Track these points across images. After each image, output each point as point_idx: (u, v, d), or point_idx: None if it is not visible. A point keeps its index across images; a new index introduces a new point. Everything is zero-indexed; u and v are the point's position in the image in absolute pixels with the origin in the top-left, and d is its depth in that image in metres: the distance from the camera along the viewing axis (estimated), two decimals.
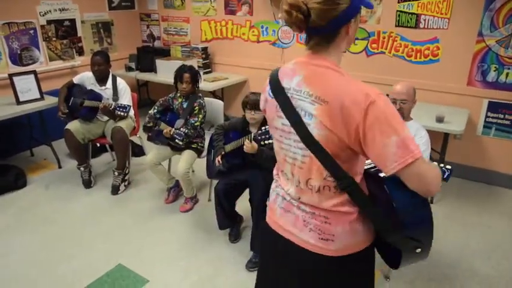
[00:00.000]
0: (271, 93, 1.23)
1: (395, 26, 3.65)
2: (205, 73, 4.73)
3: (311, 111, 1.10)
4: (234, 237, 2.83)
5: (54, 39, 4.38)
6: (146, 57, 4.86)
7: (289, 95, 1.17)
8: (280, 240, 1.31)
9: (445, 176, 1.99)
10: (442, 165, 2.04)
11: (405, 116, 2.47)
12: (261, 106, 1.33)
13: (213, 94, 4.46)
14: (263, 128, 2.40)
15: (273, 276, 1.42)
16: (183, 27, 5.03)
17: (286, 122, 1.18)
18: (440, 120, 3.11)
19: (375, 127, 1.01)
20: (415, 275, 2.53)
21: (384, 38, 3.75)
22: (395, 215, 1.07)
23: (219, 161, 2.65)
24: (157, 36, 5.31)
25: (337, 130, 1.06)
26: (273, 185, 1.38)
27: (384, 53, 3.79)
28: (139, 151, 4.11)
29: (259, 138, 2.38)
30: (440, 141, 3.22)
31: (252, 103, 2.55)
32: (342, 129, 1.05)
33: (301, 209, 1.24)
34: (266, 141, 2.37)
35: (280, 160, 1.30)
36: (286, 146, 1.23)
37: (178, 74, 3.09)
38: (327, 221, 1.20)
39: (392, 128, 1.01)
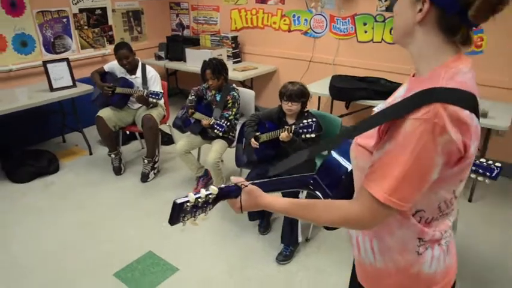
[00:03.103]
0: (477, 121, 0.89)
1: None
2: (234, 62, 4.69)
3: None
4: (264, 228, 2.78)
5: (85, 27, 4.42)
6: (175, 46, 4.85)
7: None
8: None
9: (493, 174, 1.88)
10: (490, 162, 1.93)
11: None
12: (471, 152, 0.89)
13: (243, 84, 4.41)
14: (305, 121, 2.31)
15: None
16: (212, 16, 4.98)
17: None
18: (483, 115, 2.96)
19: None
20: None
21: None
22: None
23: (255, 144, 2.59)
24: (186, 25, 5.28)
25: None
26: (436, 252, 1.02)
27: None
28: (168, 140, 4.11)
29: (301, 131, 2.30)
30: (482, 138, 3.07)
31: (290, 94, 2.47)
32: None
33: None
34: (307, 135, 2.29)
35: (454, 196, 0.99)
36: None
37: (202, 73, 3.06)
38: None
39: None
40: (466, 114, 0.83)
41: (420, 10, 0.88)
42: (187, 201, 1.07)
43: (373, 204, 0.90)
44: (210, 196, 1.08)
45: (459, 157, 0.86)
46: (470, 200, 3.20)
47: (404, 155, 0.85)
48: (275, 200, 1.07)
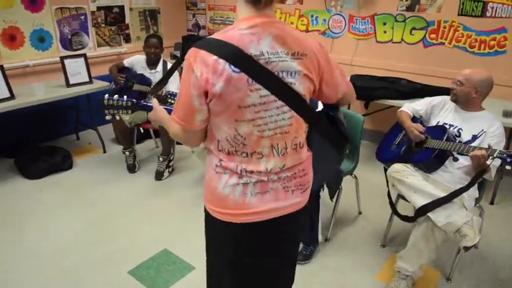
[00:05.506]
0: (235, 68, 1.06)
1: (458, 14, 3.42)
2: None
3: (295, 68, 1.13)
4: None
5: (103, 25, 4.41)
6: (191, 46, 4.80)
7: (262, 61, 1.08)
8: (266, 226, 1.26)
9: None
10: None
11: (461, 101, 2.23)
12: (215, 90, 1.07)
13: None
14: None
15: (266, 265, 1.37)
16: (229, 16, 4.95)
17: (265, 92, 1.11)
18: (508, 114, 2.89)
19: (329, 65, 1.23)
20: (480, 278, 2.33)
21: (444, 27, 3.52)
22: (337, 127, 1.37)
23: None
24: (202, 25, 5.26)
25: (314, 78, 1.18)
26: (233, 180, 1.20)
27: (444, 43, 3.56)
28: None
29: None
30: (506, 137, 2.97)
31: None
32: (316, 75, 1.19)
33: (281, 178, 1.23)
34: None
35: (251, 143, 1.16)
36: (265, 119, 1.14)
37: None
38: (304, 172, 1.28)
39: (333, 63, 1.26)
40: (212, 58, 1.06)
41: None
42: (103, 98, 1.61)
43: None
44: (123, 103, 1.61)
45: (205, 91, 1.08)
46: (492, 203, 3.11)
47: (180, 85, 1.17)
48: (165, 117, 1.35)
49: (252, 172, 1.19)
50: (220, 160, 1.20)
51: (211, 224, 1.32)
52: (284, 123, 1.17)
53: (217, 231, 1.32)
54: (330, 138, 1.34)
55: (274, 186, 1.22)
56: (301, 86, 1.15)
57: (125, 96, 1.63)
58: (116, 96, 1.62)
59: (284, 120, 1.17)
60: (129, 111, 1.63)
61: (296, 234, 1.43)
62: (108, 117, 1.66)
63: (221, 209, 1.24)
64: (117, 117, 1.67)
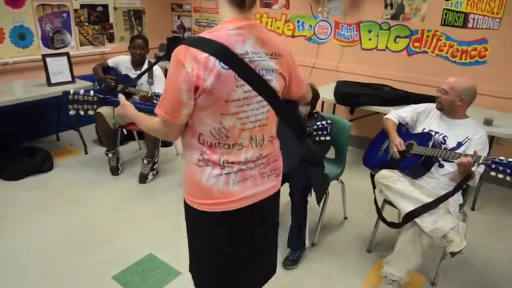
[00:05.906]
0: (224, 65, 1.15)
1: (441, 24, 3.51)
2: None
3: (273, 67, 1.24)
4: None
5: (86, 24, 4.32)
6: (176, 47, 4.77)
7: (247, 59, 1.19)
8: (247, 212, 1.35)
9: None
10: (510, 160, 1.91)
11: (445, 109, 2.29)
12: (206, 85, 1.14)
13: None
14: (319, 123, 2.26)
15: (243, 253, 1.44)
16: (215, 19, 4.93)
17: (248, 88, 1.21)
18: (488, 122, 2.97)
19: (295, 65, 1.36)
20: (464, 282, 2.38)
21: (427, 36, 3.60)
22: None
23: None
24: (187, 27, 5.22)
25: (287, 76, 1.31)
26: (216, 171, 1.28)
27: (427, 52, 3.65)
28: (167, 141, 4.02)
29: (315, 133, 2.25)
30: None
31: None
32: (287, 74, 1.31)
33: (257, 165, 1.34)
34: (322, 138, 2.24)
35: (233, 135, 1.26)
36: (247, 113, 1.24)
37: None
38: (275, 158, 1.41)
39: (296, 62, 1.37)
40: (203, 55, 1.12)
41: None
42: (69, 93, 1.60)
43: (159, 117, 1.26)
44: (89, 98, 1.61)
45: (196, 86, 1.14)
46: (473, 209, 3.19)
47: (166, 81, 1.20)
48: (132, 112, 1.44)
49: (233, 163, 1.28)
50: (202, 153, 1.27)
51: (193, 216, 1.39)
52: (263, 116, 1.29)
53: (200, 223, 1.39)
54: (295, 131, 1.47)
55: (252, 173, 1.33)
56: (276, 83, 1.27)
57: (92, 92, 1.64)
58: (82, 91, 1.62)
59: (263, 114, 1.28)
60: (95, 107, 1.66)
61: (274, 219, 1.55)
62: (72, 113, 1.66)
63: (205, 200, 1.31)
64: (82, 113, 1.67)
